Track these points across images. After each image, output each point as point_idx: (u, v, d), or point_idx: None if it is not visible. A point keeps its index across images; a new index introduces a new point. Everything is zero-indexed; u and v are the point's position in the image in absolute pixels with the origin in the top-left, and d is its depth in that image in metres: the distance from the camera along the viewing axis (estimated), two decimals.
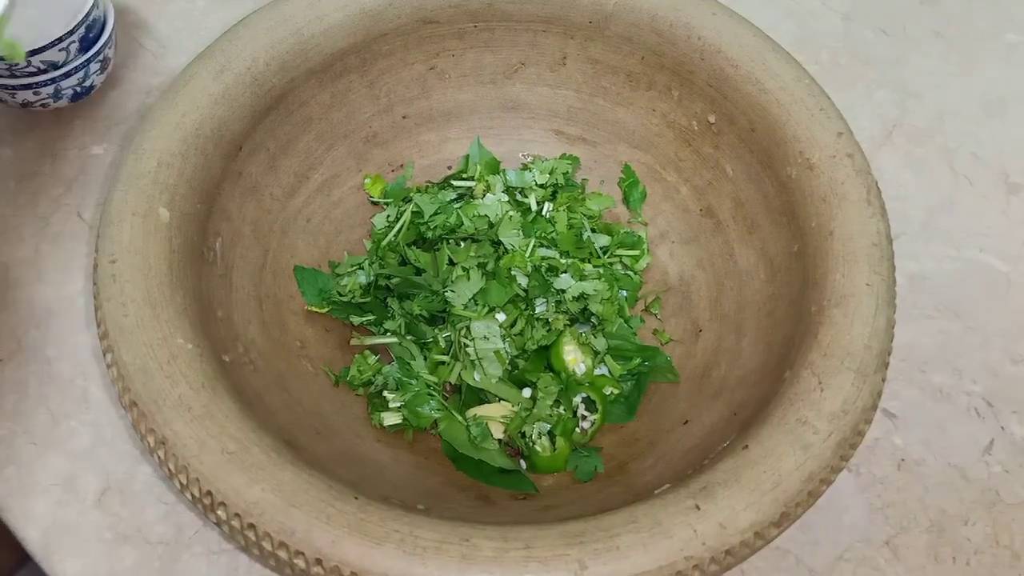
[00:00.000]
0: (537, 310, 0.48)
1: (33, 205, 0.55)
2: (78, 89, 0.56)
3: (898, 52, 0.65)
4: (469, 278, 0.47)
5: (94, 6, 0.54)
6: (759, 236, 0.48)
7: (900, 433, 0.51)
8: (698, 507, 0.35)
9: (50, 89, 0.55)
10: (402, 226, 0.50)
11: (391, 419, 0.46)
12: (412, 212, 0.50)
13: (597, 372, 0.48)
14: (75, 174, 0.57)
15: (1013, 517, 0.49)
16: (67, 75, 0.54)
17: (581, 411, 0.47)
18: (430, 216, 0.50)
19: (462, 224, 0.50)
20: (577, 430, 0.47)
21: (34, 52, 0.52)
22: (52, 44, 0.52)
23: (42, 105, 0.56)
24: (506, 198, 0.51)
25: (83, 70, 0.55)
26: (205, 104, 0.44)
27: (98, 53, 0.55)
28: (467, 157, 0.54)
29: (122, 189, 0.42)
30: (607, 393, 0.48)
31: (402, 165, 0.54)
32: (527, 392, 0.47)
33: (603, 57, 0.51)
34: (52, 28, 0.53)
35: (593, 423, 0.47)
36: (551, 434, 0.46)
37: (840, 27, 0.66)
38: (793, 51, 0.49)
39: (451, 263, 0.49)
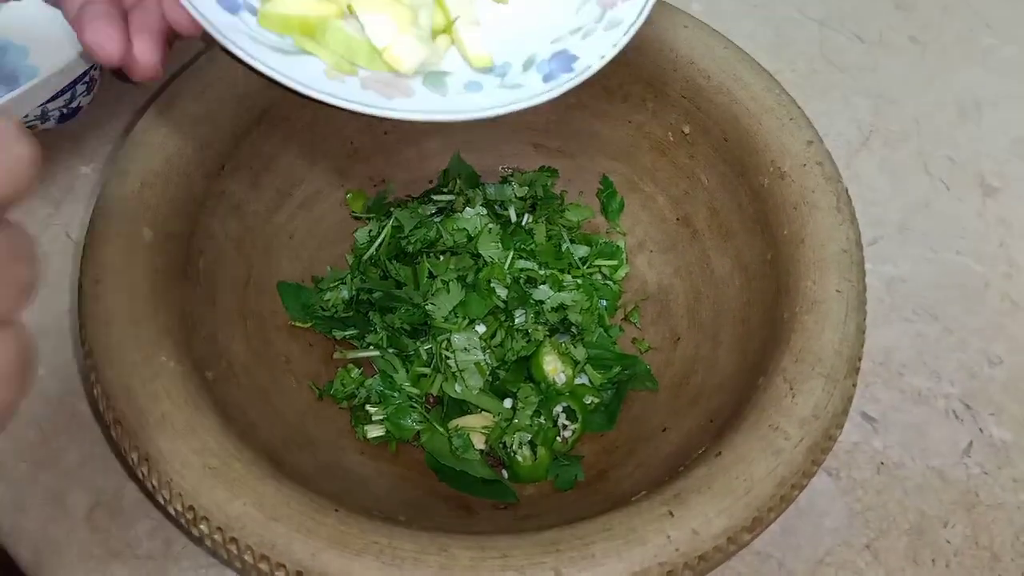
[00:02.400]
0: (516, 321, 0.49)
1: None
2: (65, 111, 0.57)
3: (874, 58, 0.65)
4: (449, 291, 0.48)
5: None
6: (734, 244, 0.49)
7: (879, 436, 0.51)
8: (672, 514, 0.36)
9: (37, 111, 0.55)
10: (383, 240, 0.51)
11: (374, 431, 0.47)
12: (393, 226, 0.51)
13: (577, 381, 0.49)
14: (63, 194, 0.57)
15: (992, 518, 0.49)
16: (54, 97, 0.55)
17: (561, 420, 0.47)
18: (410, 230, 0.51)
19: (442, 237, 0.51)
20: (558, 439, 0.47)
21: None
22: None
23: (30, 127, 0.57)
24: (485, 211, 0.52)
25: (69, 91, 0.56)
26: (187, 124, 0.45)
27: (84, 74, 0.56)
28: (447, 171, 0.55)
29: (106, 210, 0.43)
30: (587, 402, 0.48)
31: (384, 180, 0.55)
32: (508, 403, 0.48)
33: None
34: None
35: (573, 432, 0.47)
36: (532, 444, 0.46)
37: (816, 34, 0.66)
38: (770, 59, 0.49)
39: (431, 276, 0.49)
